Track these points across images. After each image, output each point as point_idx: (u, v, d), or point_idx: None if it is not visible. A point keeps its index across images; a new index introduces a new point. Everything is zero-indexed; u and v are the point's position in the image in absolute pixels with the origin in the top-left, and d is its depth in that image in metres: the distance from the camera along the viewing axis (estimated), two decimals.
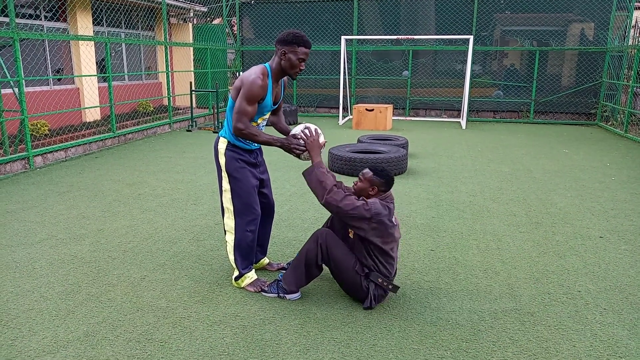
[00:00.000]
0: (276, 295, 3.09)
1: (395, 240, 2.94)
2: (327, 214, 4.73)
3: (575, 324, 2.82)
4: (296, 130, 3.04)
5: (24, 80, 6.55)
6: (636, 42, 10.57)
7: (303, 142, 3.00)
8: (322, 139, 3.03)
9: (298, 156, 3.04)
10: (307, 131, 3.01)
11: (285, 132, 3.24)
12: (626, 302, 3.08)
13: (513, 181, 6.15)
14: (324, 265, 3.03)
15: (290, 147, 3.00)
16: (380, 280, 2.91)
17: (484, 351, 2.54)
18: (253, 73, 2.90)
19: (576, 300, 3.10)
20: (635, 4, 11.42)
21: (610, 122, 11.25)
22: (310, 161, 2.98)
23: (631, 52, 10.46)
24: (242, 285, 3.20)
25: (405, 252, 3.82)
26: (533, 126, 11.64)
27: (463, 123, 11.41)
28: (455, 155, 7.90)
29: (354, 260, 2.93)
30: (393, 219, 2.92)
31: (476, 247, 3.96)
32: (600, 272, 3.53)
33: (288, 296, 3.06)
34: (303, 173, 2.99)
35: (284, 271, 3.46)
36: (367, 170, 3.01)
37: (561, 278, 3.41)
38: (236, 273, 3.20)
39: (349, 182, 5.98)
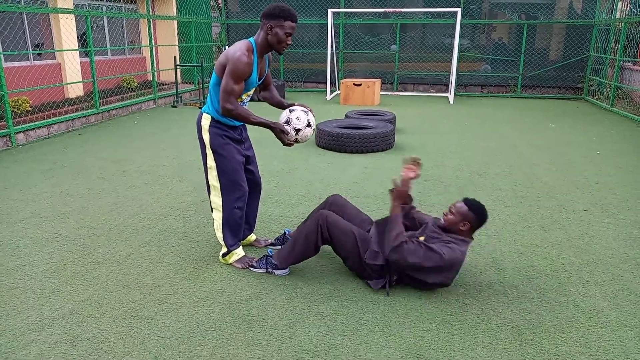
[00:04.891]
0: (265, 270, 3.09)
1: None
2: (315, 190, 4.72)
3: (558, 295, 2.86)
4: (284, 117, 2.97)
5: (2, 55, 6.36)
6: (623, 16, 10.54)
7: (294, 131, 2.94)
8: (305, 126, 2.96)
9: (288, 145, 2.99)
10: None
11: (280, 105, 3.21)
12: (608, 274, 3.14)
13: (499, 156, 6.18)
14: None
15: (280, 135, 2.95)
16: (395, 278, 2.89)
17: (469, 323, 2.57)
18: (238, 49, 2.83)
19: (559, 272, 3.15)
20: None
21: (596, 96, 11.29)
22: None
23: (618, 25, 10.44)
24: (230, 261, 3.19)
25: None
26: (520, 100, 11.65)
27: (451, 98, 11.38)
28: (442, 130, 7.89)
29: (361, 247, 2.88)
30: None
31: None
32: (583, 245, 3.58)
33: (277, 272, 3.06)
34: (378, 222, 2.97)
35: (272, 247, 3.47)
36: (461, 203, 2.82)
37: (545, 251, 3.46)
38: (224, 250, 3.19)
39: (336, 157, 5.98)
